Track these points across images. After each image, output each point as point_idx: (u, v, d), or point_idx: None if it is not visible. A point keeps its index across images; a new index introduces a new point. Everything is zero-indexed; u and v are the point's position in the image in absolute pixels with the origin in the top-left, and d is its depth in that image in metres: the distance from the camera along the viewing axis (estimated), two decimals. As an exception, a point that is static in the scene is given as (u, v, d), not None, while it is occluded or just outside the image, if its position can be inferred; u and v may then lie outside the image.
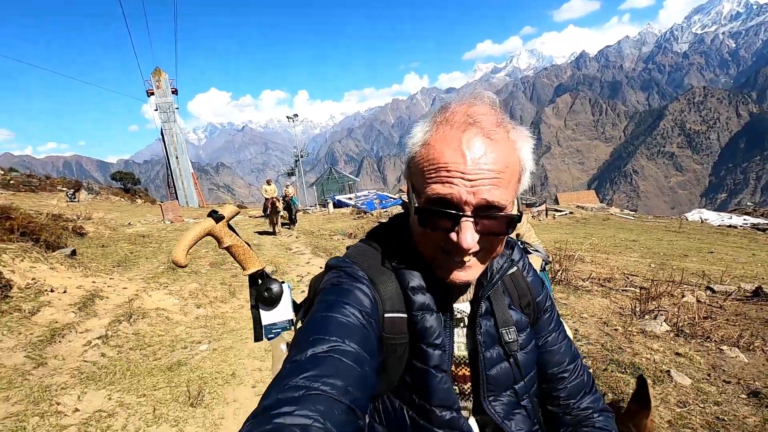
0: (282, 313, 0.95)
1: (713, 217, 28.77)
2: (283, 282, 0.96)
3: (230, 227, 0.95)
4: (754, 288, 5.41)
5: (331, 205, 23.08)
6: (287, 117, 40.64)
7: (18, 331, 3.80)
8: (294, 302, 0.98)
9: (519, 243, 0.92)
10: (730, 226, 25.92)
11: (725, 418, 2.87)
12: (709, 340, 4.08)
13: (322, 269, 0.83)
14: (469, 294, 0.81)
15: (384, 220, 0.89)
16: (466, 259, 0.68)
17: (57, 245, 7.03)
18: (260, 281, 0.96)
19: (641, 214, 33.08)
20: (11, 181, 23.31)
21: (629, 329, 4.43)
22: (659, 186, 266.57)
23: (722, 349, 3.85)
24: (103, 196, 26.89)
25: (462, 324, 0.80)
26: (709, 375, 3.48)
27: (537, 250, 2.42)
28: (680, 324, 4.43)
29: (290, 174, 42.93)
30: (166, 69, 37.49)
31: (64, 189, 24.66)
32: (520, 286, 0.88)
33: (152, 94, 37.42)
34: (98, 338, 4.03)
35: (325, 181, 38.71)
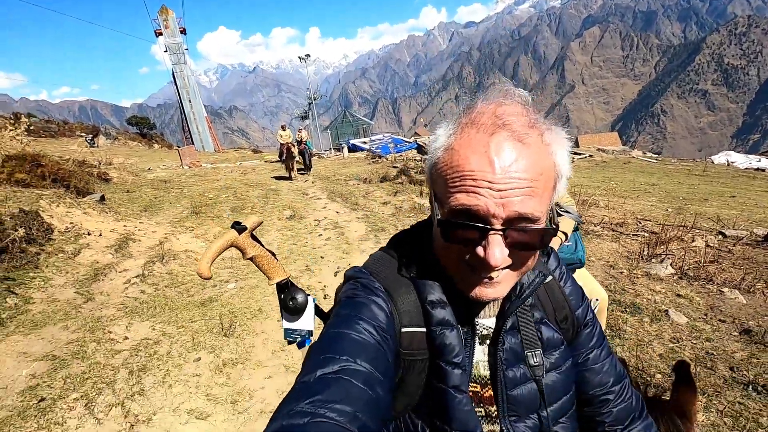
0: (303, 323, 0.96)
1: (741, 160, 27.66)
2: (308, 295, 0.97)
3: (254, 237, 0.95)
4: (766, 233, 5.43)
5: (345, 150, 23.01)
6: (299, 57, 39.31)
7: (65, 270, 4.19)
8: (321, 310, 0.99)
9: (552, 250, 0.86)
10: (757, 169, 25.01)
11: (714, 353, 3.09)
12: (711, 282, 4.23)
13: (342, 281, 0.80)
14: (495, 308, 0.75)
15: (402, 228, 0.87)
16: (493, 275, 0.62)
17: (86, 191, 7.39)
18: (286, 290, 0.96)
19: (664, 157, 32.04)
20: (31, 127, 23.77)
21: (634, 272, 4.60)
22: (688, 127, 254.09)
23: (723, 291, 4.00)
24: (121, 141, 27.29)
25: (487, 341, 0.75)
26: (706, 315, 3.67)
27: (568, 212, 2.31)
28: (685, 267, 4.56)
29: (304, 117, 42.37)
30: (173, 6, 36.11)
31: (83, 134, 25.05)
32: (555, 298, 0.80)
33: (160, 34, 36.40)
34: (136, 277, 4.41)
35: (339, 125, 38.19)
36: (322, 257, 5.57)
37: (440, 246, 0.66)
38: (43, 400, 2.44)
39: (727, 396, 2.64)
